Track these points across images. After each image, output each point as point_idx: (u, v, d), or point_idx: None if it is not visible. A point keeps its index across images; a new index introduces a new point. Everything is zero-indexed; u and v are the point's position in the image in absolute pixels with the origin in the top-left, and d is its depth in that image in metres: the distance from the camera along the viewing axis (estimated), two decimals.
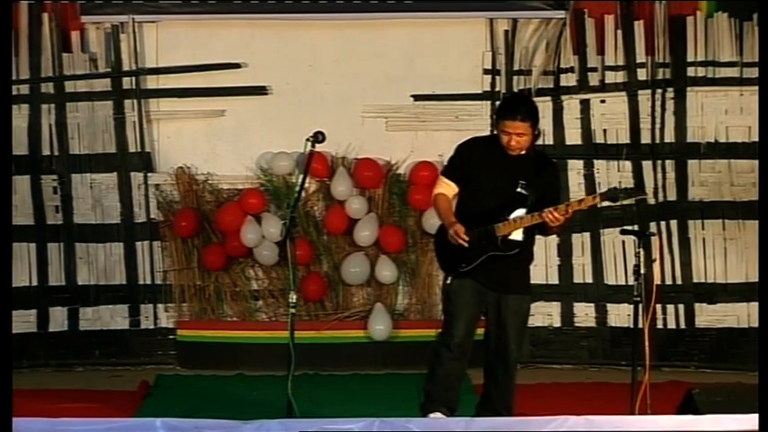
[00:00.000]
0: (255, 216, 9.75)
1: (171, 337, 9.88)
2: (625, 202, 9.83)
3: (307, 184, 9.30)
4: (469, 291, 7.10)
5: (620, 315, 9.84)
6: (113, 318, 9.88)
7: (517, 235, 7.06)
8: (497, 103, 9.87)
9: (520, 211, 7.01)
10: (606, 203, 7.58)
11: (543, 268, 9.95)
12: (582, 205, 7.10)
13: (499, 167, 7.07)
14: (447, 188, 7.22)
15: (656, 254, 7.78)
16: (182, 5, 9.76)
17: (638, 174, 9.89)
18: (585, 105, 9.94)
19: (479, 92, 9.92)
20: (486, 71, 9.92)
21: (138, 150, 9.87)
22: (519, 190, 7.01)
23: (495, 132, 7.21)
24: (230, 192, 9.90)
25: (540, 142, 9.80)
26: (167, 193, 9.88)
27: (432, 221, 9.68)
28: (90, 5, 9.75)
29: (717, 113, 9.90)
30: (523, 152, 7.08)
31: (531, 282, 9.79)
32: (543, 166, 7.18)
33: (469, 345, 7.19)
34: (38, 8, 9.78)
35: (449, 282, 7.12)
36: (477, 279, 7.09)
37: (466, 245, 6.95)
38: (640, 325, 7.08)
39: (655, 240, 7.88)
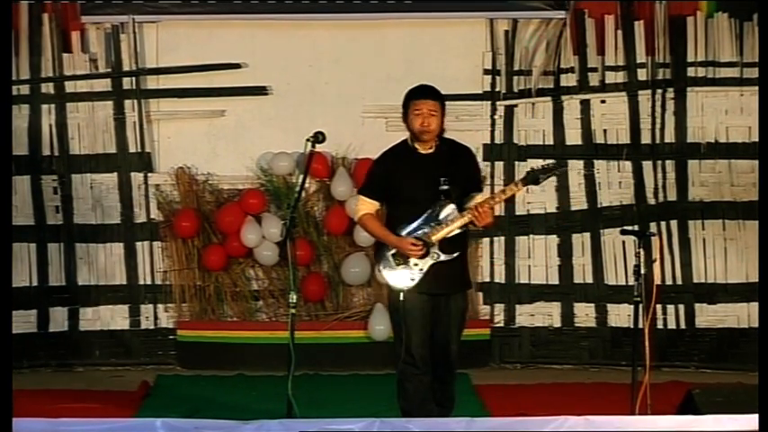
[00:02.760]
0: (256, 216, 9.75)
1: (171, 337, 9.88)
2: (625, 203, 9.88)
3: (307, 185, 9.30)
4: (420, 303, 7.05)
5: (620, 315, 9.84)
6: (113, 318, 9.88)
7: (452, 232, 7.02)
8: (498, 103, 9.92)
9: (449, 209, 6.99)
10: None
11: (543, 268, 9.95)
12: (506, 195, 7.16)
13: (417, 171, 7.06)
14: (369, 206, 7.18)
15: (656, 254, 7.78)
16: (182, 5, 9.76)
17: (638, 174, 9.89)
18: (586, 105, 9.93)
19: (479, 92, 9.92)
20: (486, 71, 9.92)
21: (138, 150, 9.87)
22: (442, 188, 6.98)
23: (407, 128, 7.17)
24: (230, 192, 9.90)
25: (540, 142, 9.94)
26: (167, 193, 9.88)
27: None
28: (90, 5, 9.75)
29: (717, 113, 9.89)
30: (433, 147, 7.09)
31: (532, 282, 9.96)
32: (458, 155, 7.17)
33: (429, 353, 7.13)
34: (38, 8, 9.78)
35: (401, 297, 7.00)
36: (425, 288, 7.03)
37: (422, 253, 6.93)
38: (640, 325, 7.08)
39: (655, 240, 7.89)
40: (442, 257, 6.99)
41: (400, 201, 7.11)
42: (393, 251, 7.03)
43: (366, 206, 7.20)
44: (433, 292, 7.05)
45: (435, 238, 6.96)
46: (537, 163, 9.79)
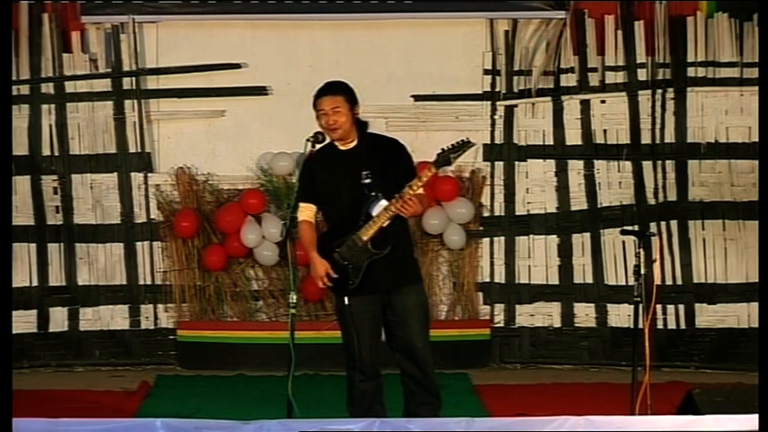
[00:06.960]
0: (256, 216, 9.75)
1: (171, 337, 9.88)
2: (625, 203, 9.88)
3: None
4: (365, 305, 6.96)
5: (620, 315, 9.84)
6: (113, 318, 9.88)
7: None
8: (498, 103, 9.92)
9: (380, 204, 6.87)
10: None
11: (543, 268, 9.95)
12: (422, 181, 6.87)
13: (340, 168, 6.98)
14: (307, 211, 7.06)
15: (656, 254, 7.76)
16: (182, 6, 9.77)
17: (638, 174, 9.89)
18: (586, 106, 9.93)
19: (479, 92, 9.92)
20: (486, 71, 9.92)
21: (138, 150, 9.87)
22: (364, 181, 6.89)
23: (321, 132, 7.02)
24: (230, 192, 9.90)
25: (540, 142, 9.93)
26: (167, 193, 9.88)
27: (433, 222, 9.70)
28: (90, 5, 9.75)
29: (717, 114, 9.89)
30: (354, 142, 7.01)
31: (532, 282, 9.95)
32: (383, 148, 7.08)
33: (378, 358, 7.04)
34: (38, 8, 9.78)
35: (347, 302, 6.93)
36: (368, 289, 6.94)
37: (330, 284, 6.90)
38: (640, 325, 7.08)
39: (655, 241, 7.88)
40: (375, 256, 6.87)
41: (329, 200, 7.04)
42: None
43: (303, 212, 7.07)
44: (374, 289, 6.94)
45: (365, 236, 6.87)
46: (537, 163, 9.94)
